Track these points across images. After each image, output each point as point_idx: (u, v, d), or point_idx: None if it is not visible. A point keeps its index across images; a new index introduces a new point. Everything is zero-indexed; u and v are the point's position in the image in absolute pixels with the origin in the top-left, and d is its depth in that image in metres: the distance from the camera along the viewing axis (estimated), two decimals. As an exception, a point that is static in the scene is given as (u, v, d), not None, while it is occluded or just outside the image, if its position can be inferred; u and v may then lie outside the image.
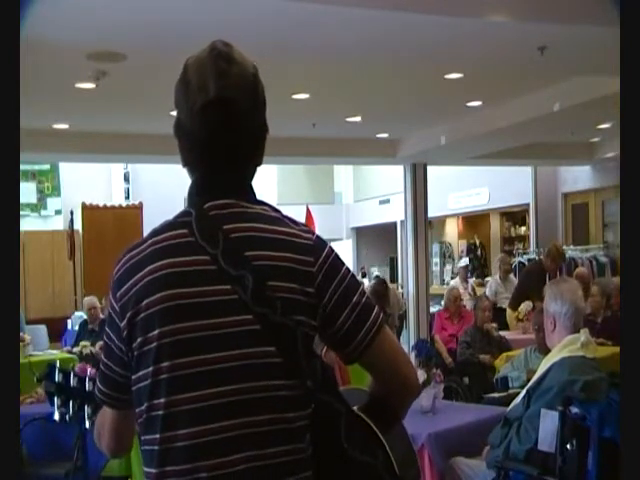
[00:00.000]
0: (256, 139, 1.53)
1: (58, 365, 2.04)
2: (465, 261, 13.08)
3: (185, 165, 1.52)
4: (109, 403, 1.54)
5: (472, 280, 10.35)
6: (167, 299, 1.39)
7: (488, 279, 10.86)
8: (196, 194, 1.50)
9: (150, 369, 1.41)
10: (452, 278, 16.49)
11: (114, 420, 1.55)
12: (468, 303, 9.55)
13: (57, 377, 1.99)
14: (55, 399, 2.01)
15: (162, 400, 1.40)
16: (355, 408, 1.54)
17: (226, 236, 1.42)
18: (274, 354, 1.39)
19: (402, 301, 10.01)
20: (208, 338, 1.38)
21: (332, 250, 1.51)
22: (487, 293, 10.12)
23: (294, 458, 1.41)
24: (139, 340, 1.42)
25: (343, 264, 1.51)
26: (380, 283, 8.63)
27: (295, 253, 1.44)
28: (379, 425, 1.54)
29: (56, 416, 2.00)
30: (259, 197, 1.53)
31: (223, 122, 1.45)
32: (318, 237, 1.51)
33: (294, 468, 1.41)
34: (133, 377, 1.44)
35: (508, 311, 9.12)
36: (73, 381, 1.98)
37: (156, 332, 1.39)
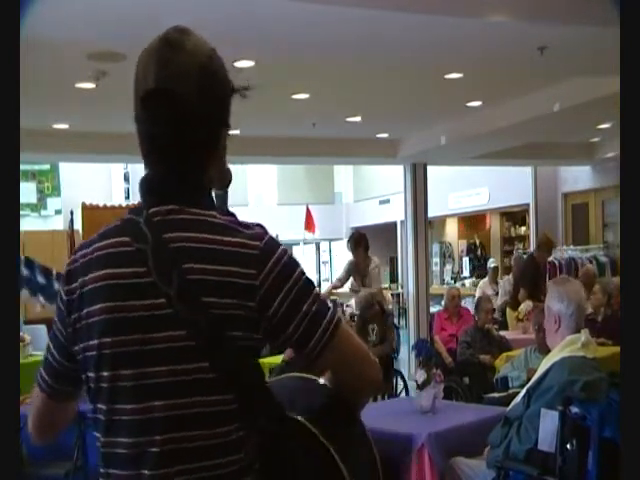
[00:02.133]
0: (206, 135, 1.43)
1: (55, 273, 1.97)
2: (494, 262, 12.99)
3: (142, 156, 1.47)
4: (44, 389, 1.53)
5: (507, 278, 10.32)
6: (105, 311, 1.39)
7: (500, 280, 10.90)
8: (143, 194, 1.45)
9: (93, 375, 1.42)
10: (452, 278, 16.53)
11: (42, 406, 1.55)
12: (495, 305, 9.54)
13: (56, 285, 1.95)
14: (40, 297, 1.97)
15: (103, 406, 1.41)
16: (305, 413, 1.48)
17: (165, 246, 1.37)
18: (207, 370, 1.35)
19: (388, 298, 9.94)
20: (144, 352, 1.36)
21: (282, 256, 1.40)
22: (500, 293, 10.16)
23: (230, 470, 1.38)
24: (82, 345, 1.43)
25: (294, 270, 1.41)
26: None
27: (236, 266, 1.36)
28: (336, 427, 1.50)
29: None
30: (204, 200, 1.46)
31: (161, 115, 1.39)
32: (267, 243, 1.40)
33: (232, 478, 1.39)
34: (82, 375, 1.45)
35: (508, 311, 9.14)
36: (40, 276, 1.94)
37: (96, 342, 1.40)
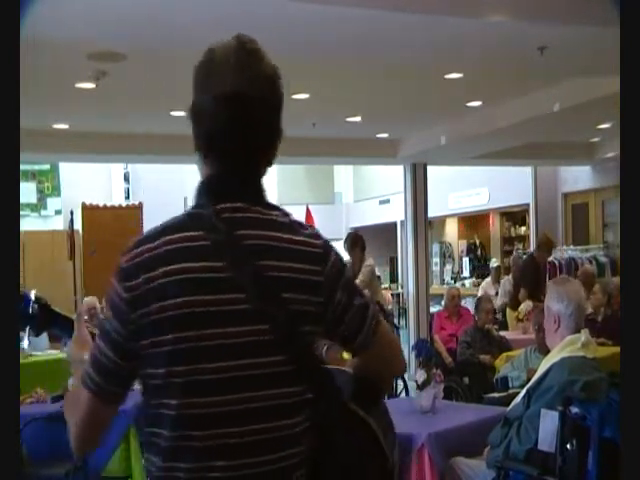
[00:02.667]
0: (272, 140, 1.50)
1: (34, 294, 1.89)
2: (496, 262, 12.99)
3: (197, 150, 1.51)
4: (93, 390, 1.47)
5: (507, 278, 10.33)
6: (182, 306, 1.39)
7: (503, 279, 10.90)
8: (208, 192, 1.48)
9: (161, 371, 1.40)
10: (452, 278, 16.53)
11: (90, 410, 1.48)
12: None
13: (33, 307, 1.87)
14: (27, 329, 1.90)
15: (173, 401, 1.40)
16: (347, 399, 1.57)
17: (240, 243, 1.42)
18: (283, 362, 1.42)
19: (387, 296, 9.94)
20: (224, 346, 1.39)
21: (336, 254, 1.53)
22: (500, 293, 10.15)
23: (291, 463, 1.44)
24: (149, 340, 1.41)
25: (345, 267, 1.54)
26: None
27: (306, 263, 1.46)
28: (368, 403, 1.60)
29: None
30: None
31: (240, 117, 1.44)
32: (325, 242, 1.52)
33: (291, 470, 1.44)
34: (141, 372, 1.44)
35: (508, 311, 9.13)
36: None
37: (170, 336, 1.39)
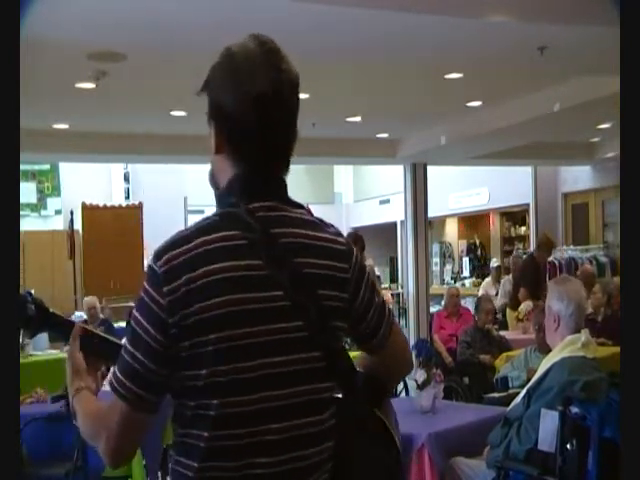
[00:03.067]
0: (293, 140, 1.55)
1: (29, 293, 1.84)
2: (497, 261, 12.97)
3: (217, 152, 1.50)
4: (128, 399, 1.42)
5: (507, 278, 10.33)
6: (223, 305, 1.39)
7: (503, 279, 10.91)
8: (239, 192, 1.47)
9: (203, 371, 1.39)
10: (452, 278, 16.53)
11: (125, 419, 1.43)
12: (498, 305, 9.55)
13: (30, 308, 1.81)
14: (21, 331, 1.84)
15: (215, 401, 1.40)
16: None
17: (276, 241, 1.44)
18: (319, 358, 1.46)
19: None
20: (264, 344, 1.41)
21: (358, 254, 1.57)
22: (500, 293, 10.15)
23: (322, 457, 1.48)
24: (190, 342, 1.39)
25: (365, 267, 1.58)
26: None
27: (335, 260, 1.50)
28: (376, 401, 1.63)
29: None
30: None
31: (267, 117, 1.46)
32: (348, 241, 1.56)
33: (320, 466, 1.48)
34: (177, 375, 1.41)
35: (508, 311, 9.13)
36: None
37: (212, 336, 1.38)
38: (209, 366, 1.39)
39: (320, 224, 1.53)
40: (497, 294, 10.33)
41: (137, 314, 1.43)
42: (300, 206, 1.53)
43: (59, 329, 1.70)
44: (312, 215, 1.54)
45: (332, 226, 1.57)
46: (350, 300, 1.52)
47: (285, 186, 1.53)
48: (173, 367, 1.41)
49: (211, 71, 1.50)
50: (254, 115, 1.45)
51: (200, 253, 1.40)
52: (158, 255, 1.42)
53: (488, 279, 11.66)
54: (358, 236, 8.95)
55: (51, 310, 1.69)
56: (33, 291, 1.69)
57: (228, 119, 1.47)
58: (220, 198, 1.50)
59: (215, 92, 1.49)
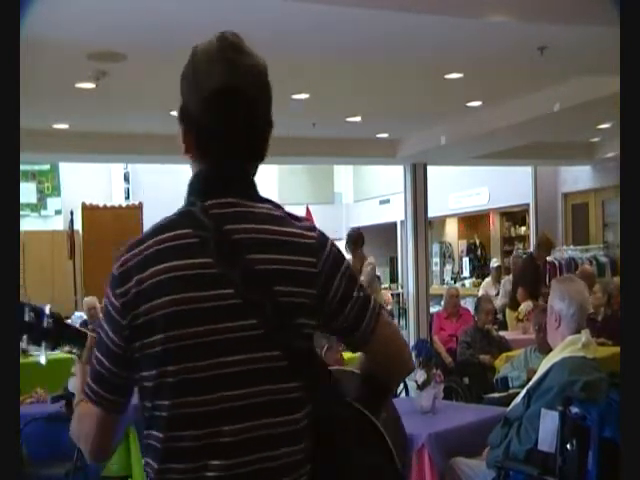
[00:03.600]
0: (263, 134, 1.50)
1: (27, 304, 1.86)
2: (497, 261, 12.95)
3: (186, 152, 1.50)
4: (98, 402, 1.47)
5: (507, 278, 10.33)
6: (171, 304, 1.38)
7: (503, 279, 10.90)
8: (198, 189, 1.47)
9: (154, 372, 1.40)
10: (452, 278, 16.52)
11: (99, 421, 1.48)
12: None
13: (29, 315, 1.83)
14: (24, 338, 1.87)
15: (166, 402, 1.40)
16: (351, 399, 1.56)
17: (228, 237, 1.41)
18: (278, 358, 1.40)
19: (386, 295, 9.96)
20: (214, 343, 1.38)
21: (333, 245, 1.51)
22: (501, 293, 10.15)
23: (294, 459, 1.43)
24: (141, 342, 1.40)
25: (344, 258, 1.52)
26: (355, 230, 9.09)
27: (299, 255, 1.44)
28: (376, 403, 1.59)
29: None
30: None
31: (230, 112, 1.44)
32: (321, 234, 1.50)
33: (296, 467, 1.43)
34: (135, 377, 1.43)
35: (507, 312, 9.13)
36: (28, 316, 1.80)
37: (161, 336, 1.38)
38: (159, 366, 1.39)
39: (287, 219, 1.48)
40: (497, 294, 10.32)
41: (101, 318, 1.47)
42: (267, 201, 1.49)
43: (75, 341, 1.74)
44: (282, 210, 1.50)
45: (305, 221, 1.51)
46: (320, 295, 1.45)
47: (249, 181, 1.49)
48: (132, 369, 1.43)
49: (181, 74, 1.51)
50: (209, 114, 1.44)
51: (151, 253, 1.41)
52: (117, 258, 1.45)
53: (488, 279, 11.65)
54: (359, 234, 8.93)
55: (67, 322, 1.73)
56: (49, 306, 1.70)
57: (190, 119, 1.47)
58: (185, 196, 1.50)
59: (181, 93, 1.49)
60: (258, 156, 1.50)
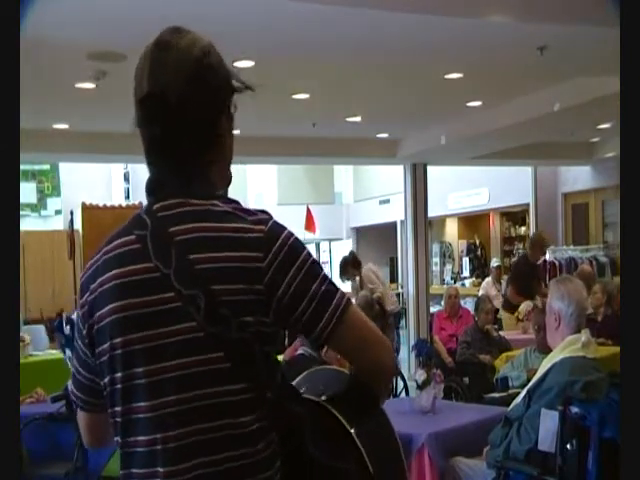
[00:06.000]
0: (202, 132, 1.44)
1: (65, 316, 1.96)
2: (497, 261, 12.93)
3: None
4: (79, 406, 1.56)
5: (507, 278, 10.34)
6: (115, 311, 1.39)
7: (503, 280, 10.91)
8: (147, 193, 1.47)
9: (107, 378, 1.42)
10: (452, 278, 16.52)
11: (86, 421, 1.57)
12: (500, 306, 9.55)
13: (65, 329, 1.93)
14: (66, 351, 1.97)
15: (119, 408, 1.42)
16: (325, 399, 1.50)
17: (172, 240, 1.39)
18: (222, 359, 1.36)
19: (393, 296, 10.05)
20: (156, 348, 1.37)
21: (288, 238, 1.41)
22: (503, 292, 10.15)
23: (248, 462, 1.38)
24: (97, 351, 1.44)
25: (301, 252, 1.42)
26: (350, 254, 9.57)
27: (242, 251, 1.38)
28: (358, 412, 1.50)
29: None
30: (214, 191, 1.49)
31: (155, 117, 1.42)
32: (272, 227, 1.41)
33: (247, 471, 1.38)
34: (101, 383, 1.46)
35: (502, 313, 9.11)
36: (66, 329, 1.90)
37: (108, 344, 1.40)
38: (110, 373, 1.41)
39: (234, 214, 1.41)
40: (500, 293, 10.30)
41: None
42: (213, 197, 1.44)
43: None
44: (230, 205, 1.43)
45: (259, 214, 1.43)
46: (268, 291, 1.37)
47: (194, 180, 1.44)
48: (96, 375, 1.47)
49: None
50: (142, 117, 1.45)
51: (101, 263, 1.45)
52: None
53: (488, 279, 11.64)
54: (350, 258, 9.25)
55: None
56: (65, 313, 1.74)
57: (135, 125, 1.49)
58: None
59: None
60: (205, 156, 1.46)
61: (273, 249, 1.39)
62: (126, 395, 1.40)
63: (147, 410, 1.38)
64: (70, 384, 1.56)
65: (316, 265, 1.44)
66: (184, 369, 1.36)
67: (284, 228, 1.43)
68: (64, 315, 1.80)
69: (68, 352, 1.70)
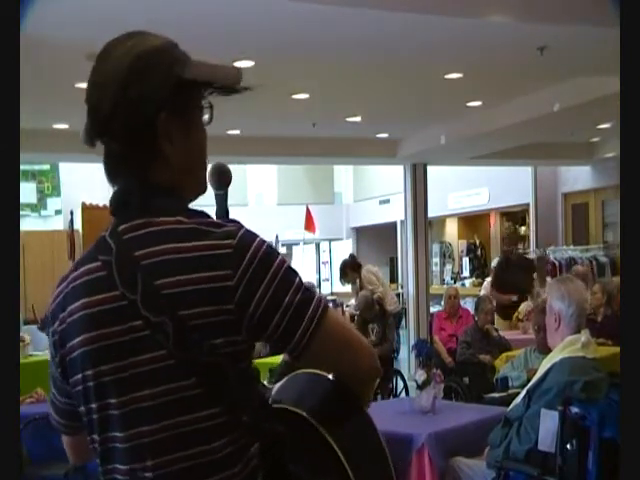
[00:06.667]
0: (140, 136, 1.36)
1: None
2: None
3: None
4: (59, 429, 1.56)
5: None
6: (85, 343, 1.36)
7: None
8: (112, 213, 1.41)
9: (83, 409, 1.41)
10: (452, 278, 16.52)
11: (70, 443, 1.58)
12: None
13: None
14: None
15: (96, 437, 1.40)
16: (309, 407, 1.46)
17: (137, 265, 1.32)
18: (193, 386, 1.31)
19: (393, 297, 10.07)
20: (128, 378, 1.33)
21: (258, 250, 1.33)
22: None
23: None
24: (70, 380, 1.41)
25: (272, 262, 1.33)
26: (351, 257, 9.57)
27: (210, 270, 1.30)
28: (341, 419, 1.47)
29: None
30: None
31: (98, 130, 1.38)
32: (241, 239, 1.33)
33: None
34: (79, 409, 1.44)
35: (497, 319, 9.11)
36: None
37: (80, 375, 1.38)
38: (85, 404, 1.40)
39: (200, 230, 1.32)
40: None
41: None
42: (178, 211, 1.35)
43: None
44: (199, 219, 1.35)
45: (225, 225, 1.34)
46: (239, 309, 1.30)
47: (153, 197, 1.36)
48: (73, 399, 1.45)
49: None
50: (88, 131, 1.41)
51: (70, 291, 1.41)
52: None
53: (490, 279, 11.60)
54: (349, 261, 9.28)
55: None
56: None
57: None
58: None
59: None
60: (156, 167, 1.37)
61: (243, 264, 1.31)
62: (102, 424, 1.38)
63: (123, 440, 1.36)
64: (49, 408, 1.56)
65: (289, 273, 1.35)
66: (156, 398, 1.32)
67: (254, 237, 1.34)
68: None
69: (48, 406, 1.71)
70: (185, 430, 1.32)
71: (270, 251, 1.35)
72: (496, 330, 7.66)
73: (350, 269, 9.43)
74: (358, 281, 9.37)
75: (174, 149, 1.37)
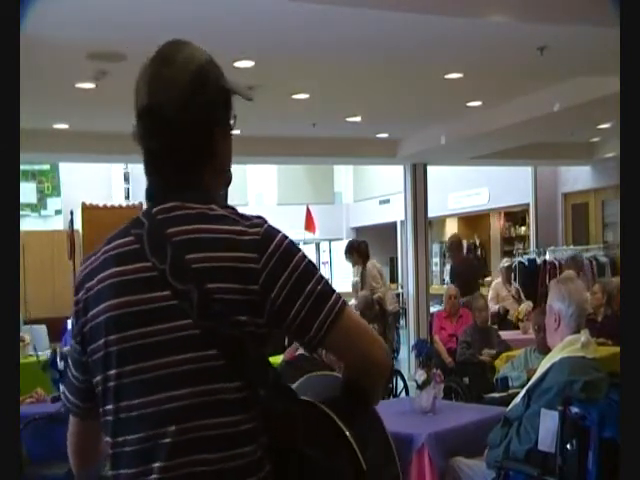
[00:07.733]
0: (197, 145, 1.48)
1: (59, 352, 1.98)
2: (507, 261, 12.80)
3: None
4: (72, 410, 1.56)
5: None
6: (111, 308, 1.42)
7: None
8: (147, 200, 1.52)
9: (100, 377, 1.44)
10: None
11: (77, 430, 1.58)
12: (512, 307, 9.49)
13: (59, 364, 1.96)
14: (60, 386, 1.99)
15: (111, 406, 1.42)
16: (320, 401, 1.50)
17: (169, 240, 1.42)
18: (216, 357, 1.37)
19: (393, 296, 10.05)
20: (151, 345, 1.39)
21: (283, 241, 1.44)
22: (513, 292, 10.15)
23: (240, 463, 1.38)
24: (89, 348, 1.45)
25: (296, 253, 1.44)
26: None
27: (237, 251, 1.40)
28: (351, 413, 1.50)
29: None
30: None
31: (153, 129, 1.47)
32: (267, 230, 1.44)
33: (239, 473, 1.38)
34: (93, 382, 1.47)
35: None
36: (60, 364, 1.93)
37: (102, 341, 1.42)
38: (104, 371, 1.43)
39: (229, 217, 1.45)
40: (508, 294, 10.15)
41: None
42: (209, 201, 1.47)
43: None
44: (227, 210, 1.47)
45: (252, 219, 1.46)
46: (263, 292, 1.39)
47: (192, 186, 1.48)
48: (90, 374, 1.47)
49: None
50: (140, 130, 1.49)
51: (99, 262, 1.47)
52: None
53: (498, 280, 11.37)
54: (356, 243, 9.25)
55: None
56: (58, 349, 1.76)
57: (136, 138, 1.52)
58: None
59: None
60: (201, 163, 1.49)
61: (268, 251, 1.41)
62: (119, 393, 1.41)
63: (141, 407, 1.38)
64: (63, 389, 1.58)
65: (311, 266, 1.45)
66: (178, 366, 1.37)
67: (279, 231, 1.46)
68: (58, 351, 1.81)
69: (62, 387, 1.68)
70: (208, 400, 1.37)
71: (293, 245, 1.46)
72: (496, 330, 7.66)
73: (357, 254, 9.38)
74: (360, 272, 9.33)
75: (220, 157, 1.52)
